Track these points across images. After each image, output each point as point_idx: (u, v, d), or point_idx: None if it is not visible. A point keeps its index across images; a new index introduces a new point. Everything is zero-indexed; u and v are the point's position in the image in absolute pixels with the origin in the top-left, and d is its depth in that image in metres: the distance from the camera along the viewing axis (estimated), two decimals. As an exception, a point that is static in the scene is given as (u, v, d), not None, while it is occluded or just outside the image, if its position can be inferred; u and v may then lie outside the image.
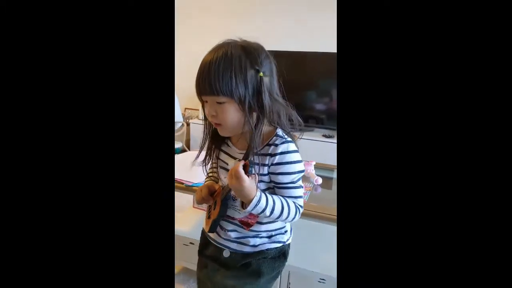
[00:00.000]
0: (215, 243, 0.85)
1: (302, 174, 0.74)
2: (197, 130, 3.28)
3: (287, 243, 0.84)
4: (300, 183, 0.74)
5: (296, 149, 0.73)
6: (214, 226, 0.80)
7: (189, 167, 1.47)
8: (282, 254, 0.83)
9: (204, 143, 0.81)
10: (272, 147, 0.71)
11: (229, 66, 0.66)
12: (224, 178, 0.78)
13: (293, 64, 2.67)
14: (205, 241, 0.90)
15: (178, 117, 3.25)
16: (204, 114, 0.77)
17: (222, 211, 0.77)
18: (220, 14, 3.31)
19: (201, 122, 3.23)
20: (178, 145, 3.22)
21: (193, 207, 1.76)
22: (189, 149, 3.19)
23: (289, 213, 0.71)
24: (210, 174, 0.90)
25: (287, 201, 0.72)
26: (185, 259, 1.50)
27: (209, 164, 0.87)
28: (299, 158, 0.73)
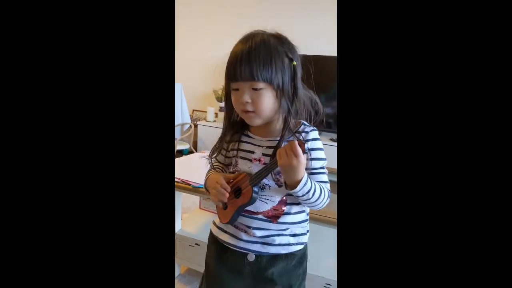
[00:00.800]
0: (235, 248, 0.79)
1: (326, 161, 0.76)
2: (205, 131, 3.29)
3: (306, 242, 0.82)
4: (326, 169, 0.76)
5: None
6: (236, 215, 0.76)
7: (196, 168, 1.48)
8: (304, 254, 0.81)
9: (225, 133, 0.81)
10: (303, 134, 0.74)
11: (268, 53, 0.68)
12: (249, 168, 0.76)
13: (302, 68, 2.68)
14: (220, 249, 0.82)
15: (186, 118, 3.27)
16: (228, 104, 0.77)
17: (253, 198, 0.73)
18: (229, 18, 3.33)
19: (208, 124, 3.26)
20: (185, 146, 3.24)
21: (200, 208, 1.76)
22: (196, 151, 3.20)
23: (324, 197, 0.72)
24: (216, 166, 0.87)
25: (320, 185, 0.72)
26: (191, 260, 1.51)
27: (215, 156, 0.86)
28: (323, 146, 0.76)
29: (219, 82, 3.37)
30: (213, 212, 1.71)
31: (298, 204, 0.75)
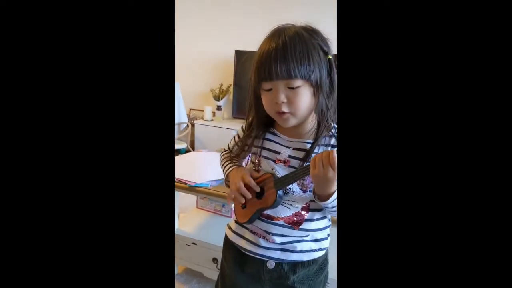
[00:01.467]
0: (253, 255, 0.75)
1: None
2: (202, 130, 3.29)
3: (328, 246, 0.79)
4: None
5: None
6: (256, 216, 0.72)
7: (193, 167, 1.47)
8: (325, 259, 0.78)
9: (252, 137, 0.75)
10: (334, 138, 0.69)
11: (305, 48, 0.63)
12: (272, 170, 0.71)
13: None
14: (238, 255, 0.78)
15: (183, 118, 3.26)
16: (256, 105, 0.72)
17: (277, 202, 0.68)
18: (227, 17, 3.32)
19: (205, 123, 3.25)
20: (183, 145, 3.23)
21: (197, 207, 1.76)
22: (193, 150, 3.20)
23: None
24: (236, 161, 0.83)
25: None
26: (188, 259, 1.50)
27: (237, 154, 0.81)
28: None
29: (217, 81, 3.37)
30: (210, 211, 1.70)
31: (320, 210, 0.71)
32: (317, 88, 0.64)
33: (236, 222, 0.81)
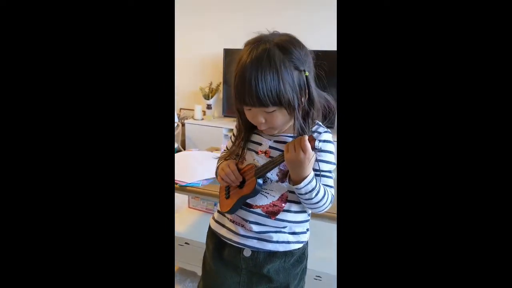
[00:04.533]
0: (232, 243, 0.78)
1: (335, 166, 0.74)
2: (193, 130, 3.27)
3: (306, 241, 0.82)
4: (333, 174, 0.75)
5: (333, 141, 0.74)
6: (237, 205, 0.76)
7: (184, 167, 1.47)
8: (303, 253, 0.81)
9: (240, 137, 0.79)
10: (315, 134, 0.73)
11: (275, 74, 0.63)
12: (254, 160, 0.76)
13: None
14: (218, 244, 0.82)
15: (173, 117, 3.24)
16: (238, 111, 0.76)
17: (256, 190, 0.72)
18: (217, 15, 3.30)
19: (196, 122, 3.24)
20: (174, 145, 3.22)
21: (189, 207, 1.76)
22: (184, 149, 3.18)
23: (326, 201, 0.71)
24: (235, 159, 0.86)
25: (325, 188, 0.71)
26: (181, 259, 1.50)
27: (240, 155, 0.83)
28: (335, 151, 0.75)
29: (206, 80, 3.35)
30: (202, 211, 1.70)
31: (299, 203, 0.74)
32: (290, 109, 0.67)
33: (219, 212, 0.84)
